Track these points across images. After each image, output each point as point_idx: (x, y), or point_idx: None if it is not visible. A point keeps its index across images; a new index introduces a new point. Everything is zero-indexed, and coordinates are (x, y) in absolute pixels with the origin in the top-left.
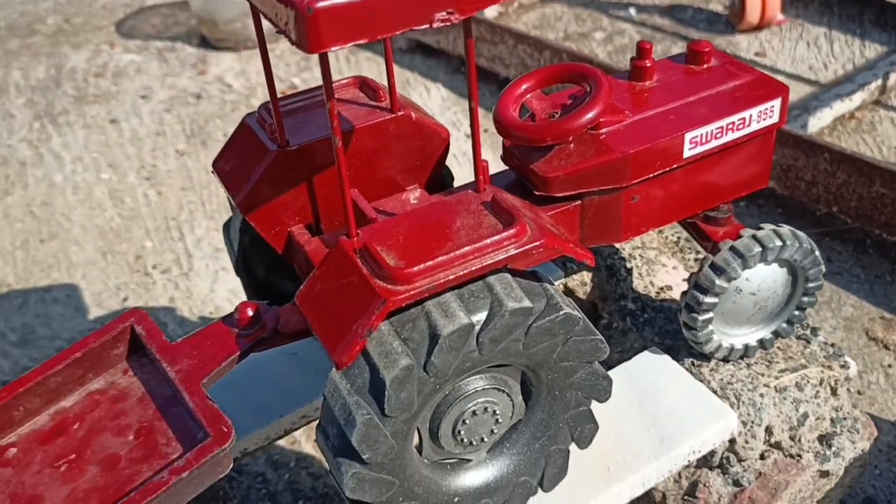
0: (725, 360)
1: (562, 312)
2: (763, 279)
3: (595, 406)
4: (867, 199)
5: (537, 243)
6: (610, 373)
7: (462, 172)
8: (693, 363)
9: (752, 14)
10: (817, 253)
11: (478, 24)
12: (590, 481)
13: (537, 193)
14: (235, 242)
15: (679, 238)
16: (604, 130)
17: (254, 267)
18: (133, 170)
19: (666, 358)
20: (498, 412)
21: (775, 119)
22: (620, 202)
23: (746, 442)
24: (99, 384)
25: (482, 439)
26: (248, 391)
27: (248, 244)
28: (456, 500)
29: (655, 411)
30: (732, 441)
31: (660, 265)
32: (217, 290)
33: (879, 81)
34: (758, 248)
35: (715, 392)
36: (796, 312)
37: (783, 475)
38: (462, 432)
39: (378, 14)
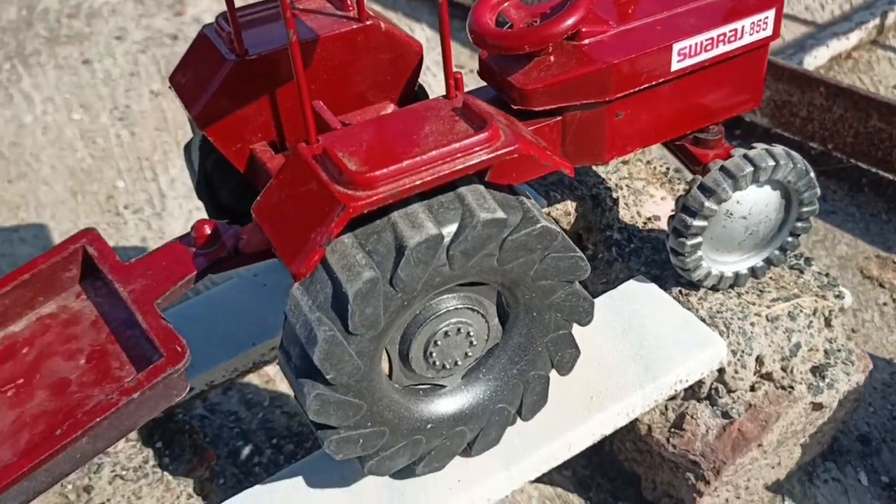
0: (714, 288)
1: (539, 226)
2: (755, 202)
3: (578, 334)
4: (863, 135)
5: (511, 148)
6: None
7: None
8: (681, 292)
9: None
10: (812, 175)
11: None
12: (571, 410)
13: (515, 108)
14: (196, 163)
15: (668, 168)
16: (586, 41)
17: (217, 190)
18: (106, 110)
19: (652, 286)
20: (472, 333)
21: (769, 32)
22: (604, 118)
23: (736, 372)
24: (50, 308)
25: (455, 363)
26: (215, 323)
27: (211, 166)
28: (429, 426)
29: (641, 340)
30: (721, 371)
31: (647, 196)
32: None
33: (877, 21)
34: (749, 168)
35: (703, 320)
36: (789, 239)
37: (774, 407)
38: (434, 354)
39: None
